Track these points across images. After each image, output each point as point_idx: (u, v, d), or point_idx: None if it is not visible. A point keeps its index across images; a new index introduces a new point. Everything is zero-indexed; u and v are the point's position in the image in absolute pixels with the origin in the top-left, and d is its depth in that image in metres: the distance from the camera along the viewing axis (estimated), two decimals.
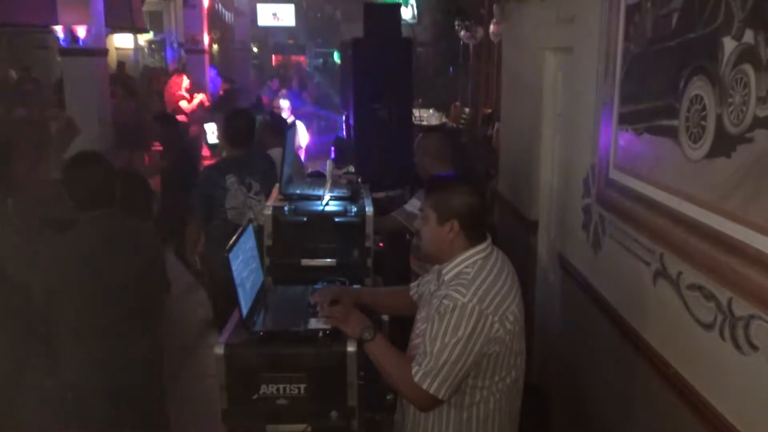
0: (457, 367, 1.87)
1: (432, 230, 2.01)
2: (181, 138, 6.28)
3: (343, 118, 6.80)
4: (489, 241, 2.03)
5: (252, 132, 4.04)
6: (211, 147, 5.70)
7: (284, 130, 3.81)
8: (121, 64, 12.46)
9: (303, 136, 7.16)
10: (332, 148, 7.13)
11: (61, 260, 2.67)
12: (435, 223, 1.99)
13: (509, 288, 1.97)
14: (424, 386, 1.88)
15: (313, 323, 2.11)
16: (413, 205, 3.26)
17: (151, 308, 2.90)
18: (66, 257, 2.68)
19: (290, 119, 7.22)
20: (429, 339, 1.90)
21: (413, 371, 1.90)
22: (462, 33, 8.03)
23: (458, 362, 1.87)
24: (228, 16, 17.89)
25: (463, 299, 1.88)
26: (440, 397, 1.89)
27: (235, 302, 2.10)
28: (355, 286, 2.43)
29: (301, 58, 20.90)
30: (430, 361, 1.88)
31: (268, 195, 3.65)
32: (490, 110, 7.63)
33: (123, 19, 10.11)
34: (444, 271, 2.02)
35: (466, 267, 1.97)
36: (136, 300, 2.76)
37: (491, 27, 6.32)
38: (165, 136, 5.72)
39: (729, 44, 1.83)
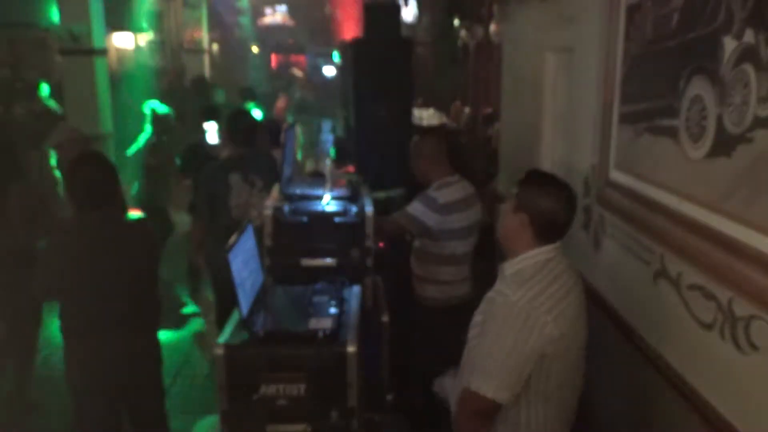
0: (512, 366, 1.85)
1: (506, 215, 2.05)
2: None
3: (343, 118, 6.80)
4: (557, 246, 2.01)
5: (254, 130, 4.05)
6: (212, 147, 5.70)
7: (278, 134, 3.82)
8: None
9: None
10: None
11: (59, 260, 2.67)
12: (510, 209, 2.03)
13: (566, 294, 1.94)
14: (486, 393, 1.85)
15: (313, 323, 2.11)
16: (415, 208, 3.22)
17: (150, 307, 2.90)
18: (64, 257, 2.68)
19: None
20: (482, 344, 1.90)
21: (467, 383, 1.89)
22: (462, 33, 8.02)
23: (511, 362, 1.84)
24: (228, 16, 17.90)
25: (513, 297, 1.88)
26: (497, 399, 1.85)
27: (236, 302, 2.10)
28: (355, 287, 2.43)
29: (301, 58, 20.88)
30: (483, 365, 1.87)
31: (270, 192, 3.65)
32: (490, 110, 7.62)
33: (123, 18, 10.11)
34: (506, 266, 2.02)
35: (526, 266, 1.96)
36: (135, 299, 2.76)
37: (491, 27, 6.32)
38: None
39: (729, 44, 1.83)
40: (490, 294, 1.99)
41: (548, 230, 1.98)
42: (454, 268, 3.35)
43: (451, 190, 3.27)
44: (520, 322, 1.84)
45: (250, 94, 8.32)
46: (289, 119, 8.29)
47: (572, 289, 2.00)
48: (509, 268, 2.00)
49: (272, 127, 5.02)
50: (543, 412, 1.97)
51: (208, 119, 5.77)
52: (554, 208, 1.97)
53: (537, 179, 2.08)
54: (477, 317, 2.05)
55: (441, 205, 3.20)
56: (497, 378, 1.85)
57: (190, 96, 9.14)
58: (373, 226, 3.11)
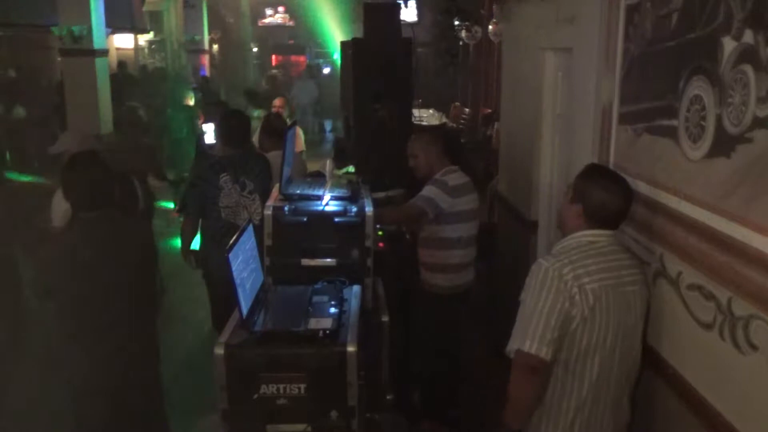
0: (544, 322, 2.00)
1: (564, 205, 2.25)
2: None
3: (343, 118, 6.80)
4: (609, 233, 2.17)
5: (247, 132, 4.04)
6: (208, 147, 5.71)
7: (283, 132, 3.81)
8: (122, 64, 12.45)
9: (301, 141, 7.16)
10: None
11: (58, 260, 2.68)
12: (567, 200, 2.23)
13: (600, 270, 2.06)
14: (522, 347, 2.01)
15: (313, 323, 2.11)
16: (429, 190, 3.34)
17: (149, 308, 2.91)
18: (63, 257, 2.68)
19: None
20: (522, 308, 2.08)
21: (517, 345, 2.04)
22: (462, 33, 8.03)
23: (542, 320, 2.00)
24: (228, 16, 17.90)
25: (547, 264, 2.07)
26: (541, 354, 1.99)
27: (232, 301, 2.10)
28: (355, 287, 2.44)
29: (301, 59, 20.88)
30: (519, 325, 2.05)
31: (261, 194, 3.65)
32: (490, 110, 7.63)
33: (123, 19, 10.12)
34: (556, 244, 2.24)
35: (569, 243, 2.15)
36: (133, 300, 2.76)
37: (491, 27, 6.33)
38: None
39: (729, 44, 1.83)
40: (532, 266, 2.15)
41: (600, 219, 2.16)
42: (463, 251, 3.48)
43: (456, 175, 3.44)
44: (548, 285, 2.03)
45: (254, 98, 8.31)
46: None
47: (615, 270, 2.11)
48: (557, 245, 2.20)
49: (275, 127, 5.01)
50: (562, 381, 2.10)
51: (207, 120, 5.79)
52: (606, 199, 2.14)
53: (593, 174, 2.25)
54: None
55: (452, 188, 3.35)
56: (536, 335, 2.01)
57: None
58: (391, 215, 3.30)
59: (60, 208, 3.92)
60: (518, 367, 2.06)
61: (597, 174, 2.25)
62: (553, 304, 2.01)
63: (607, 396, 2.14)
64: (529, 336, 2.01)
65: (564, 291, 2.01)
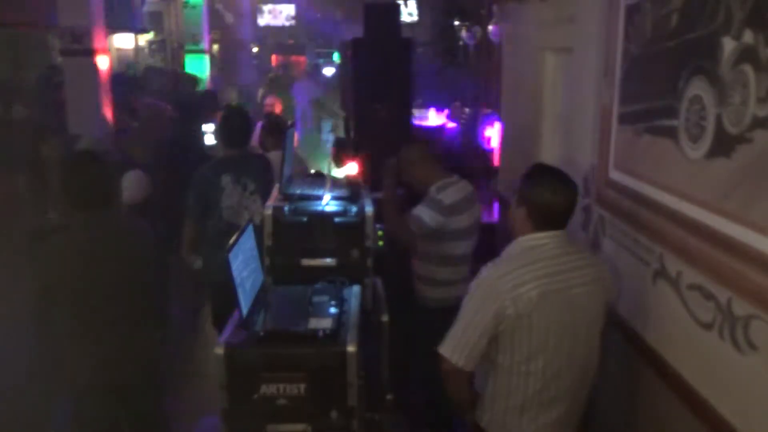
0: (467, 338, 2.06)
1: (512, 209, 2.23)
2: None
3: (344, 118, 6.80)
4: (555, 234, 2.12)
5: (248, 132, 4.03)
6: (208, 148, 5.70)
7: (284, 132, 3.81)
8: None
9: (295, 137, 7.16)
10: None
11: (57, 259, 2.67)
12: (514, 204, 2.21)
13: (544, 276, 2.05)
14: (446, 354, 2.08)
15: (313, 323, 2.11)
16: (421, 211, 3.19)
17: (149, 308, 2.90)
18: (62, 257, 2.68)
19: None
20: (458, 314, 2.12)
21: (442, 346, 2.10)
22: (462, 33, 8.03)
23: (469, 332, 2.06)
24: (228, 16, 17.90)
25: (484, 274, 2.09)
26: (459, 364, 2.06)
27: (232, 302, 2.10)
28: (355, 287, 2.44)
29: (301, 59, 20.87)
30: (451, 332, 2.11)
31: (263, 194, 3.65)
32: (490, 110, 7.63)
33: (123, 19, 10.09)
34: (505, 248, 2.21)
35: (513, 249, 2.16)
36: (133, 300, 2.76)
37: (491, 27, 6.33)
38: None
39: (728, 44, 1.83)
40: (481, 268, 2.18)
41: (545, 221, 2.12)
42: (452, 269, 3.35)
43: (453, 190, 3.27)
44: (481, 297, 2.07)
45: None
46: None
47: (562, 274, 2.08)
48: (504, 251, 2.19)
49: (276, 127, 5.01)
50: (508, 383, 2.12)
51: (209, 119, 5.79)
52: (551, 200, 2.10)
53: (534, 174, 2.21)
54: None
55: (446, 207, 3.19)
56: (458, 345, 2.08)
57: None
58: (392, 225, 3.20)
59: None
60: (443, 371, 2.14)
61: (539, 174, 2.21)
62: (480, 319, 2.05)
63: (559, 391, 2.13)
64: (455, 345, 2.09)
65: (494, 303, 2.02)
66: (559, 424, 2.18)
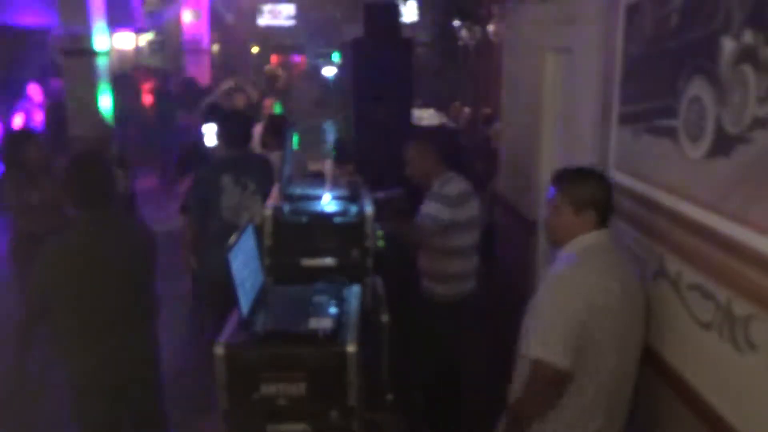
0: (566, 336, 1.99)
1: (565, 218, 2.16)
2: None
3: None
4: (606, 231, 2.17)
5: (248, 133, 4.04)
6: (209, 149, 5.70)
7: (285, 132, 3.82)
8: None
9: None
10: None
11: (57, 259, 2.68)
12: (570, 211, 2.15)
13: (615, 266, 2.11)
14: (547, 358, 1.99)
15: (313, 323, 2.11)
16: (432, 208, 3.23)
17: (149, 307, 2.91)
18: (63, 256, 2.68)
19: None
20: (540, 316, 2.07)
21: (533, 354, 2.02)
22: (462, 33, 8.03)
23: (559, 329, 2.00)
24: (228, 16, 17.90)
25: (560, 274, 2.10)
26: (560, 365, 1.99)
27: (231, 302, 2.10)
28: (355, 287, 2.44)
29: (301, 59, 20.88)
30: (538, 338, 2.03)
31: (263, 195, 3.65)
32: (490, 110, 7.63)
33: (123, 19, 10.09)
34: (560, 252, 2.20)
35: (578, 249, 2.14)
36: (133, 299, 2.76)
37: (491, 27, 6.33)
38: None
39: (728, 44, 1.83)
40: (547, 277, 2.17)
41: (600, 218, 2.15)
42: (462, 261, 3.41)
43: (455, 183, 3.34)
44: (565, 294, 2.04)
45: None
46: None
47: (623, 265, 2.17)
48: (564, 251, 2.18)
49: (278, 127, 5.01)
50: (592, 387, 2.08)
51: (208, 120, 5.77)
52: (601, 197, 2.15)
53: (579, 177, 2.21)
54: (533, 300, 2.18)
55: (453, 198, 3.26)
56: (555, 346, 2.00)
57: None
58: (410, 239, 3.24)
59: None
60: (542, 381, 2.04)
61: (583, 176, 2.22)
62: (573, 314, 2.01)
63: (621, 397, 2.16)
64: (553, 350, 2.00)
65: (585, 296, 2.01)
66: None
